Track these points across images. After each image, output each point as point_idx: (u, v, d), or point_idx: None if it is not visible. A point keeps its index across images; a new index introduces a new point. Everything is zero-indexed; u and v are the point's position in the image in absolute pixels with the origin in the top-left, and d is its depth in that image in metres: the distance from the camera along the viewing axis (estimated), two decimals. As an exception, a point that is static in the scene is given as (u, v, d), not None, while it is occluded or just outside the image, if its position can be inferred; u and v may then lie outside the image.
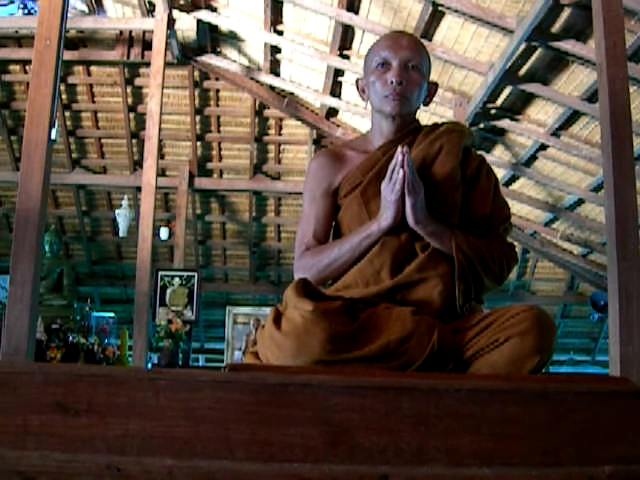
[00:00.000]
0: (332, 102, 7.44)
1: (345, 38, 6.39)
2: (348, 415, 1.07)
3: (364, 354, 1.41)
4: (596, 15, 2.88)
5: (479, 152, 1.80)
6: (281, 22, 6.67)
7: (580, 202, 7.42)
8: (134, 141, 8.30)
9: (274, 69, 7.46)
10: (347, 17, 5.96)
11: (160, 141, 6.07)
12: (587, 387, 1.21)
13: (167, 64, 6.26)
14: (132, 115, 8.13)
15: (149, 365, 5.99)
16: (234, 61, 7.57)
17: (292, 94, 7.76)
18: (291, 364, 1.39)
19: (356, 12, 5.96)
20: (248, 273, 9.53)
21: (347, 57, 6.57)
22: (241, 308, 9.14)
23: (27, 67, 7.54)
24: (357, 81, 1.79)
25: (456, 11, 5.31)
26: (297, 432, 1.06)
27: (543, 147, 6.64)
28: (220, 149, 8.48)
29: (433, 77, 1.79)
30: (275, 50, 7.13)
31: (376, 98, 1.69)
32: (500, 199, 1.73)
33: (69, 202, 8.91)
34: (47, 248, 6.89)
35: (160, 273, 7.39)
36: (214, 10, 6.86)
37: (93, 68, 7.86)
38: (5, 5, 7.57)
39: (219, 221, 9.15)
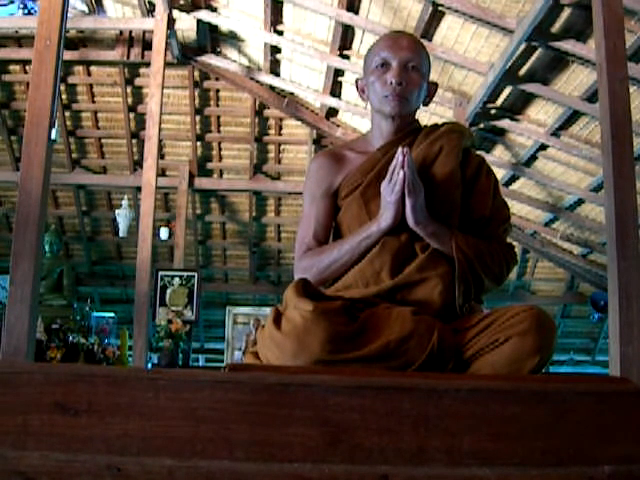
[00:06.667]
0: (332, 102, 7.44)
1: (345, 38, 6.39)
2: (348, 415, 1.07)
3: (364, 354, 1.41)
4: (596, 15, 2.89)
5: (479, 152, 1.80)
6: (281, 22, 6.67)
7: (580, 202, 7.42)
8: (134, 141, 8.30)
9: (274, 69, 7.46)
10: (347, 17, 5.96)
11: (160, 141, 6.06)
12: (587, 387, 1.21)
13: (167, 64, 6.25)
14: (132, 115, 8.13)
15: (149, 365, 5.99)
16: (234, 61, 7.57)
17: (292, 94, 7.76)
18: (291, 364, 1.39)
19: (356, 12, 5.96)
20: (248, 273, 9.53)
21: (347, 57, 6.57)
22: (241, 308, 9.14)
23: (27, 67, 7.54)
24: (357, 81, 1.79)
25: (456, 11, 5.31)
26: (297, 432, 1.06)
27: (543, 147, 6.64)
28: (220, 149, 8.48)
29: (433, 77, 1.79)
30: (275, 50, 7.13)
31: (376, 98, 1.69)
32: (500, 200, 1.73)
33: (69, 202, 8.91)
34: (47, 248, 6.89)
35: (160, 273, 7.39)
36: (214, 10, 6.86)
37: (93, 68, 7.86)
38: (5, 5, 7.58)
39: (219, 221, 9.15)
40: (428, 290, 1.58)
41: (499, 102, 6.21)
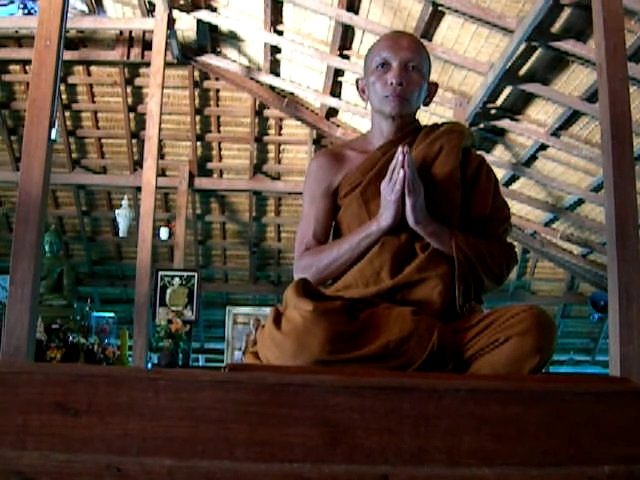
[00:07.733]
0: (332, 102, 7.44)
1: (345, 38, 6.39)
2: (348, 415, 1.07)
3: (364, 354, 1.41)
4: (596, 15, 2.88)
5: (479, 152, 1.80)
6: (281, 22, 6.67)
7: (580, 202, 7.42)
8: (134, 141, 8.29)
9: (274, 69, 7.46)
10: (347, 17, 5.96)
11: (160, 141, 6.06)
12: (587, 387, 1.21)
13: (167, 64, 6.25)
14: (132, 115, 8.13)
15: (149, 365, 5.99)
16: (234, 61, 7.57)
17: (292, 94, 7.76)
18: (291, 364, 1.39)
19: (356, 12, 5.96)
20: (248, 273, 9.53)
21: (347, 57, 6.57)
22: (241, 308, 9.14)
23: (27, 67, 7.53)
24: (357, 81, 1.79)
25: (456, 11, 5.31)
26: (297, 432, 1.06)
27: (543, 147, 6.64)
28: (220, 149, 8.48)
29: (433, 77, 1.79)
30: (275, 50, 7.13)
31: (376, 98, 1.69)
32: (500, 199, 1.73)
33: (69, 202, 8.91)
34: (47, 248, 6.89)
35: (160, 273, 7.38)
36: (214, 10, 6.86)
37: (93, 68, 7.86)
38: (5, 5, 7.57)
39: (219, 221, 9.15)
40: (428, 290, 1.58)
41: (499, 102, 6.21)
